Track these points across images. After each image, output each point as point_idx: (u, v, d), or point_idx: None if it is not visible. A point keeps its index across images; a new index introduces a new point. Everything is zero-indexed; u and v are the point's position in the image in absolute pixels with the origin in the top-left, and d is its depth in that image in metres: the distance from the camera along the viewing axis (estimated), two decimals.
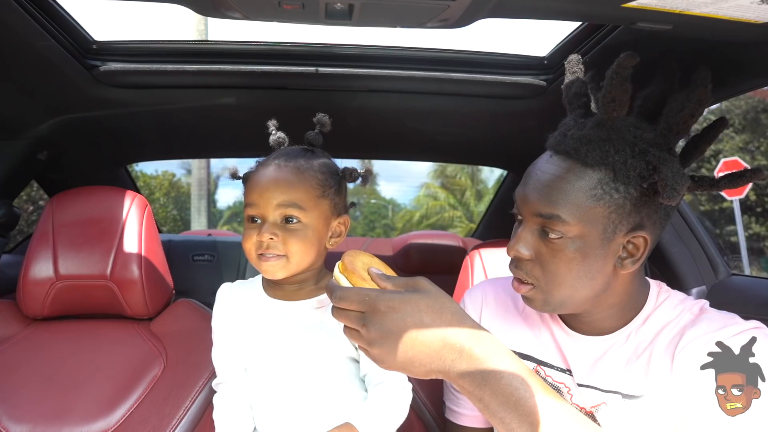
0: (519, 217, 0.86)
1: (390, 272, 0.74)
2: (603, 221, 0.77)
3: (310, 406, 0.94)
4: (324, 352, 0.96)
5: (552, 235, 0.78)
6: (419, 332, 0.64)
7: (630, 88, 0.77)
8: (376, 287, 0.69)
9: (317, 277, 1.02)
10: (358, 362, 0.98)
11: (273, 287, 1.02)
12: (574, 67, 0.91)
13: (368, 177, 1.05)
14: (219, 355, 1.03)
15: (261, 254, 0.94)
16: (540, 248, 0.81)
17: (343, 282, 0.71)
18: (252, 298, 1.03)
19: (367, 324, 0.65)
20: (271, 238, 0.92)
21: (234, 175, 1.05)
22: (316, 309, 0.98)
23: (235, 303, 1.03)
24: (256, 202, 0.94)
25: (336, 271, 0.73)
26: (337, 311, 0.68)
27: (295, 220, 0.94)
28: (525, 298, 0.85)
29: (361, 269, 0.72)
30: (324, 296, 0.97)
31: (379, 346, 0.65)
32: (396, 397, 0.95)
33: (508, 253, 0.84)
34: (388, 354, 0.65)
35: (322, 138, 1.05)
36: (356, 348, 0.95)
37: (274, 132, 1.06)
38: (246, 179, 1.01)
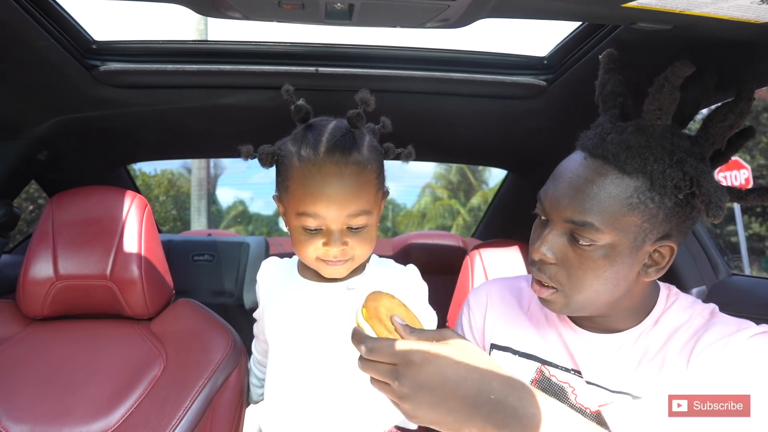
0: (543, 218, 0.83)
1: (412, 317, 0.72)
2: (635, 230, 0.75)
3: (335, 391, 0.90)
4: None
5: (582, 242, 0.76)
6: (453, 385, 0.62)
7: (678, 96, 0.75)
8: (400, 339, 0.66)
9: None
10: None
11: (305, 267, 0.97)
12: (611, 63, 0.87)
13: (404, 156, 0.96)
14: (256, 326, 1.03)
15: (324, 259, 0.88)
16: (567, 253, 0.78)
17: (368, 330, 0.69)
18: (288, 276, 0.99)
19: (399, 378, 0.62)
20: (342, 249, 0.87)
21: (270, 157, 0.88)
22: (348, 291, 0.94)
23: (272, 280, 1.00)
24: (320, 214, 0.85)
25: (359, 317, 0.70)
26: (364, 362, 0.66)
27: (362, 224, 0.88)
28: (543, 300, 0.84)
29: (385, 317, 0.69)
30: (355, 279, 0.93)
31: (411, 400, 0.62)
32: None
33: (533, 255, 0.82)
34: (420, 409, 0.62)
35: (365, 118, 0.90)
36: None
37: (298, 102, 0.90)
38: (288, 168, 0.87)
